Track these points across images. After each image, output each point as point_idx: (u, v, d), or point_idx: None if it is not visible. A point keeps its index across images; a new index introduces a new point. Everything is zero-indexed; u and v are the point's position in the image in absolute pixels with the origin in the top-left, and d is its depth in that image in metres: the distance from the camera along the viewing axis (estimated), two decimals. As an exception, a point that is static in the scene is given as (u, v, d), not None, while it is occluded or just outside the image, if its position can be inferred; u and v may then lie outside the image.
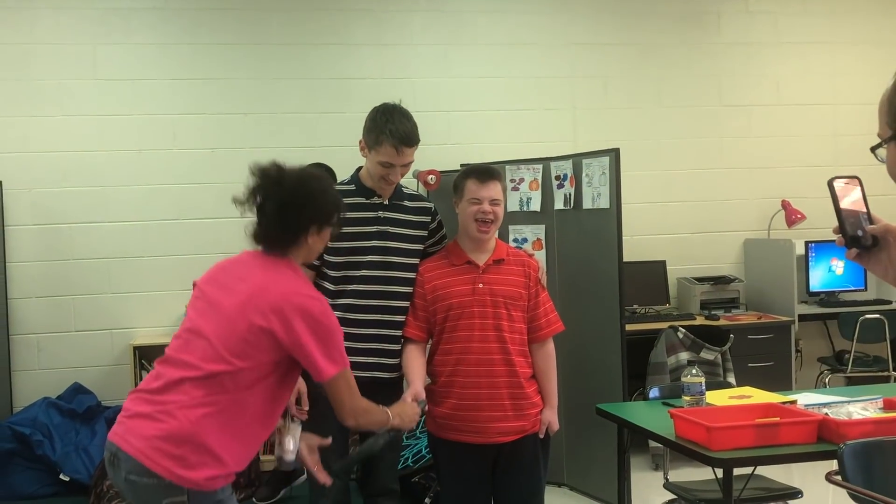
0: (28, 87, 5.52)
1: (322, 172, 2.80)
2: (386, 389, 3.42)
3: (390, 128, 3.23)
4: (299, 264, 2.68)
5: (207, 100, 5.75)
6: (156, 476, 2.36)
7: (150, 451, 2.37)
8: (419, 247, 3.44)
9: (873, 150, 1.63)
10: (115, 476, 2.47)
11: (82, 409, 5.33)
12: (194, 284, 2.71)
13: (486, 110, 6.13)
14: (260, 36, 5.83)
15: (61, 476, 5.06)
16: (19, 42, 5.54)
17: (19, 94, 5.50)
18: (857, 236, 1.65)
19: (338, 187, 3.41)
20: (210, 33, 5.77)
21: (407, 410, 2.92)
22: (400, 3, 6.03)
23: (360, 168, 3.46)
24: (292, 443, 2.75)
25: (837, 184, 1.68)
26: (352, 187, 3.41)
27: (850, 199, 1.67)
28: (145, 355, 5.37)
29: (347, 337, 3.27)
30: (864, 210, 1.67)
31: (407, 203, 3.46)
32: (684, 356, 5.13)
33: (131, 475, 2.39)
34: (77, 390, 5.46)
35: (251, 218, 2.64)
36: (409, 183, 4.03)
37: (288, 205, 2.59)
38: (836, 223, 1.67)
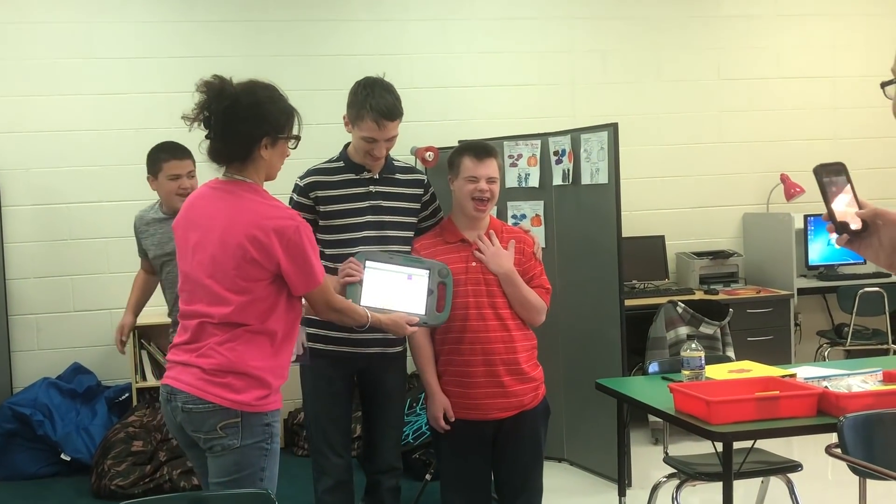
0: (23, 66, 5.48)
1: (272, 83, 2.75)
2: (391, 363, 3.44)
3: (371, 102, 3.19)
4: (261, 182, 2.70)
5: (203, 77, 5.69)
6: (209, 403, 2.57)
7: (200, 384, 2.58)
8: (413, 219, 3.44)
9: (883, 85, 1.62)
10: (170, 410, 2.66)
11: (82, 389, 5.34)
12: (174, 228, 2.79)
13: (484, 86, 6.10)
14: (256, 13, 5.79)
15: (62, 456, 5.08)
16: (13, 21, 5.49)
17: (14, 74, 5.46)
18: (845, 222, 1.65)
19: (325, 165, 3.40)
20: (206, 10, 5.72)
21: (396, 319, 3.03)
22: (396, -22, 5.99)
23: (347, 144, 3.44)
24: (300, 347, 2.97)
25: (823, 171, 1.68)
26: (340, 164, 3.39)
27: (837, 186, 1.67)
28: (145, 335, 5.37)
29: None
30: (852, 195, 1.67)
31: (399, 176, 3.44)
32: (683, 331, 5.13)
33: (188, 405, 2.59)
34: (77, 370, 5.47)
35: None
36: (407, 160, 4.01)
37: (232, 116, 2.59)
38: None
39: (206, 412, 2.57)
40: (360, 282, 3.10)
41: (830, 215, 1.65)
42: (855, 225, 1.65)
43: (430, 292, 3.16)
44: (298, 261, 2.58)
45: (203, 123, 2.63)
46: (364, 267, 3.12)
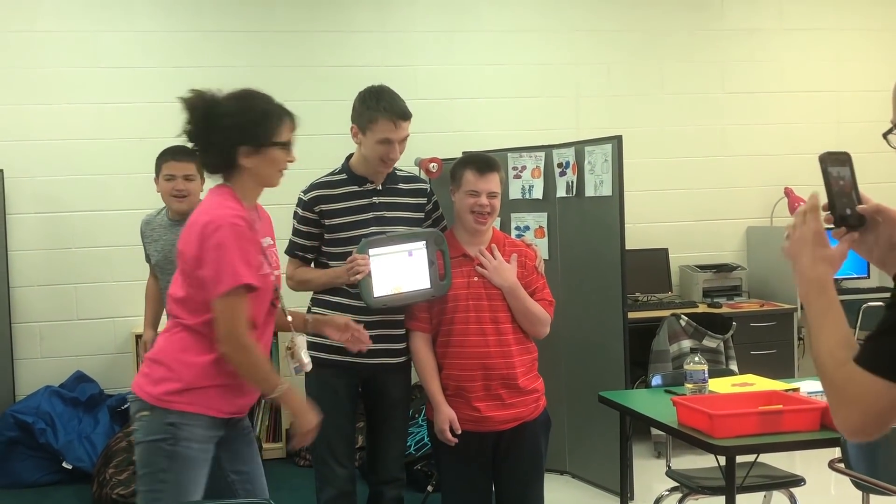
0: (29, 75, 5.50)
1: (253, 90, 2.71)
2: (395, 373, 3.44)
3: (384, 104, 3.25)
4: (250, 190, 2.67)
5: (209, 87, 5.71)
6: (132, 392, 2.64)
7: (136, 377, 2.68)
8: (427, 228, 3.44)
9: (885, 135, 1.61)
10: None
11: (85, 398, 5.33)
12: None
13: (489, 97, 6.11)
14: (262, 23, 5.81)
15: (64, 464, 5.07)
16: (20, 29, 5.51)
17: (20, 82, 5.48)
18: (845, 215, 1.62)
19: (328, 178, 3.41)
20: (212, 21, 5.75)
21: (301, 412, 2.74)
22: (402, -11, 6.01)
23: (349, 157, 3.44)
24: (305, 355, 2.86)
25: (829, 159, 1.65)
26: (343, 176, 3.40)
27: (842, 178, 1.64)
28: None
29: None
30: (854, 189, 1.64)
31: (402, 185, 3.45)
32: (687, 344, 5.12)
33: (130, 395, 2.68)
34: (79, 379, 5.47)
35: None
36: (411, 170, 4.02)
37: (207, 128, 2.61)
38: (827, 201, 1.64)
39: (132, 401, 2.64)
40: (369, 274, 3.17)
41: (831, 205, 1.62)
42: (853, 220, 1.62)
43: (430, 263, 3.24)
44: (209, 258, 2.51)
45: (188, 138, 2.65)
46: (369, 256, 3.18)
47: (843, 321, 1.54)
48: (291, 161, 2.72)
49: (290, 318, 2.86)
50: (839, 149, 1.67)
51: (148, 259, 4.28)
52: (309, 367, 2.85)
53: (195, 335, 2.59)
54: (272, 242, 2.78)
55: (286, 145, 2.67)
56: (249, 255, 2.54)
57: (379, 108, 3.24)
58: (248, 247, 2.54)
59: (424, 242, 3.26)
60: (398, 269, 3.23)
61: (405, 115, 3.29)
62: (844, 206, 1.62)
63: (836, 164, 1.64)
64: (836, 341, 1.52)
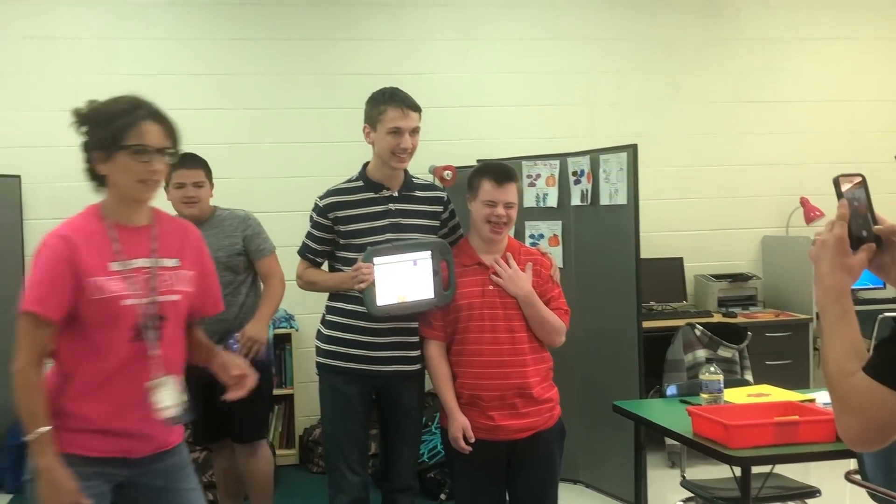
0: (47, 81, 5.54)
1: (127, 95, 2.48)
2: (409, 381, 3.44)
3: (391, 96, 3.31)
4: (116, 203, 2.48)
5: (225, 95, 5.76)
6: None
7: None
8: (432, 237, 3.44)
9: None
10: None
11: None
12: None
13: (503, 105, 6.12)
14: (278, 31, 5.84)
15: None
16: (39, 36, 5.56)
17: (38, 88, 5.53)
18: (861, 237, 1.62)
19: (344, 185, 3.42)
20: (228, 28, 5.78)
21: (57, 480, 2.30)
22: (417, -2, 6.03)
23: (366, 164, 3.46)
24: (168, 398, 2.42)
25: (843, 181, 1.64)
26: (359, 183, 3.41)
27: (856, 199, 1.63)
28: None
29: (367, 332, 3.30)
30: (870, 210, 1.63)
31: (418, 193, 3.45)
32: (701, 353, 5.11)
33: None
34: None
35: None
36: (426, 178, 4.02)
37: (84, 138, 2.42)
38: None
39: None
40: (373, 282, 3.18)
41: (847, 228, 1.61)
42: (869, 241, 1.61)
43: (435, 273, 3.25)
44: (30, 276, 2.36)
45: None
46: (373, 265, 3.20)
47: (855, 330, 1.55)
48: (151, 171, 2.41)
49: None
50: (855, 158, 1.67)
51: None
52: (170, 414, 2.43)
53: (56, 365, 2.41)
54: (175, 265, 2.49)
55: (137, 149, 2.36)
56: (56, 280, 2.31)
57: (387, 101, 3.30)
58: (58, 270, 2.32)
59: (430, 252, 3.27)
60: (402, 278, 3.25)
61: (414, 105, 3.33)
62: (860, 228, 1.62)
63: (849, 186, 1.64)
64: (844, 350, 1.53)
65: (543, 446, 3.30)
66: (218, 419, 3.97)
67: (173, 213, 4.22)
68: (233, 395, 2.59)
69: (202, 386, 4.02)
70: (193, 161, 3.97)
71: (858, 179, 1.64)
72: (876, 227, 1.62)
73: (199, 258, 2.62)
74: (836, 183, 1.64)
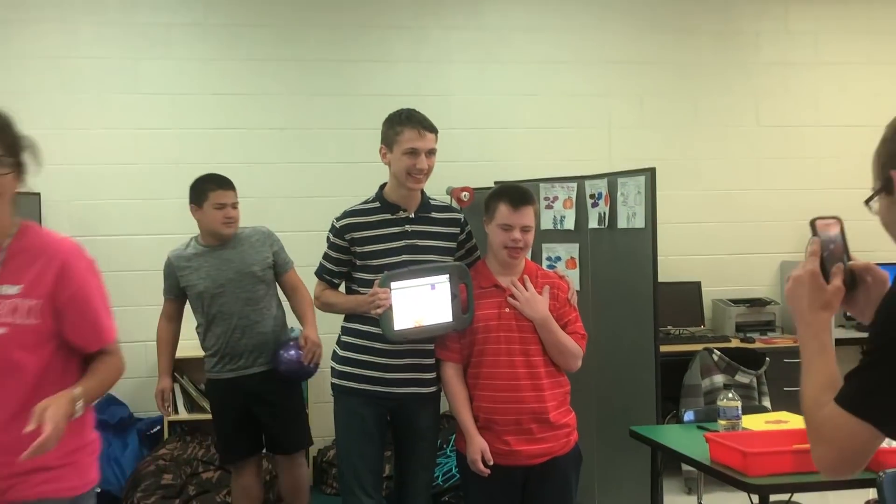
0: (69, 100, 5.60)
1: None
2: (425, 403, 3.42)
3: (408, 118, 3.31)
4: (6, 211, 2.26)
5: (245, 114, 5.80)
6: None
7: None
8: (449, 259, 3.43)
9: (867, 202, 1.68)
10: None
11: (115, 421, 5.36)
12: None
13: (522, 128, 6.13)
14: (298, 52, 5.88)
15: (93, 487, 5.08)
16: (62, 56, 5.62)
17: (61, 107, 5.58)
18: (837, 276, 1.67)
19: (361, 206, 3.43)
20: (249, 49, 5.83)
21: None
22: (437, 20, 6.06)
23: (383, 185, 3.46)
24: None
25: (820, 225, 1.72)
26: (376, 204, 3.41)
27: (832, 241, 1.70)
28: (178, 368, 5.39)
29: (383, 353, 3.30)
30: (845, 252, 1.70)
31: (434, 214, 3.45)
32: (719, 379, 5.07)
33: None
34: (109, 401, 5.50)
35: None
36: (443, 199, 4.03)
37: None
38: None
39: None
40: (390, 307, 3.17)
41: (823, 270, 1.67)
42: (845, 281, 1.67)
43: (454, 297, 3.23)
44: None
45: None
46: (390, 290, 3.18)
47: (832, 365, 1.61)
48: (8, 187, 2.23)
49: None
50: (875, 183, 1.72)
51: (173, 293, 4.27)
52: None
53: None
54: (14, 292, 2.24)
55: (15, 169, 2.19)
56: None
57: (403, 122, 3.31)
58: None
59: (448, 276, 3.25)
60: (420, 302, 3.23)
61: (431, 126, 3.33)
62: (834, 264, 1.68)
63: (825, 229, 1.71)
64: (820, 384, 1.60)
65: (559, 472, 3.27)
66: (256, 433, 4.05)
67: (207, 232, 4.22)
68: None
69: (246, 396, 4.02)
70: (229, 183, 4.17)
71: (834, 222, 1.72)
72: (853, 263, 1.69)
73: (61, 286, 2.31)
74: (813, 226, 1.71)
